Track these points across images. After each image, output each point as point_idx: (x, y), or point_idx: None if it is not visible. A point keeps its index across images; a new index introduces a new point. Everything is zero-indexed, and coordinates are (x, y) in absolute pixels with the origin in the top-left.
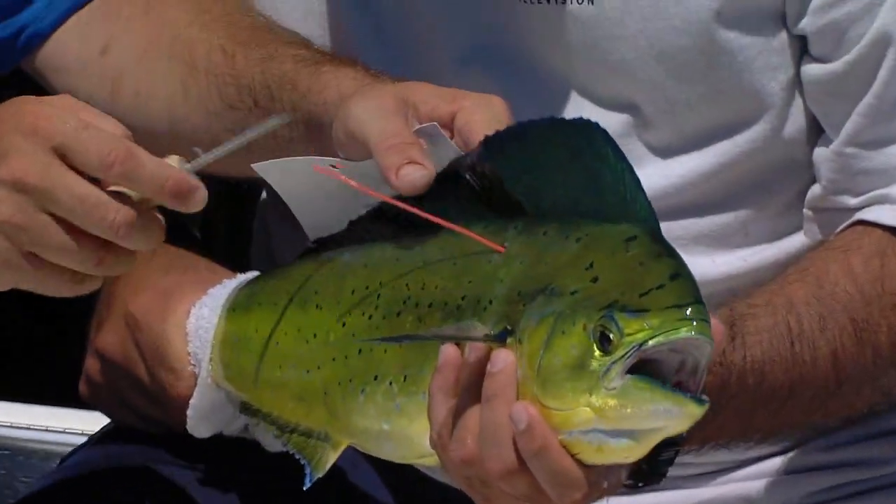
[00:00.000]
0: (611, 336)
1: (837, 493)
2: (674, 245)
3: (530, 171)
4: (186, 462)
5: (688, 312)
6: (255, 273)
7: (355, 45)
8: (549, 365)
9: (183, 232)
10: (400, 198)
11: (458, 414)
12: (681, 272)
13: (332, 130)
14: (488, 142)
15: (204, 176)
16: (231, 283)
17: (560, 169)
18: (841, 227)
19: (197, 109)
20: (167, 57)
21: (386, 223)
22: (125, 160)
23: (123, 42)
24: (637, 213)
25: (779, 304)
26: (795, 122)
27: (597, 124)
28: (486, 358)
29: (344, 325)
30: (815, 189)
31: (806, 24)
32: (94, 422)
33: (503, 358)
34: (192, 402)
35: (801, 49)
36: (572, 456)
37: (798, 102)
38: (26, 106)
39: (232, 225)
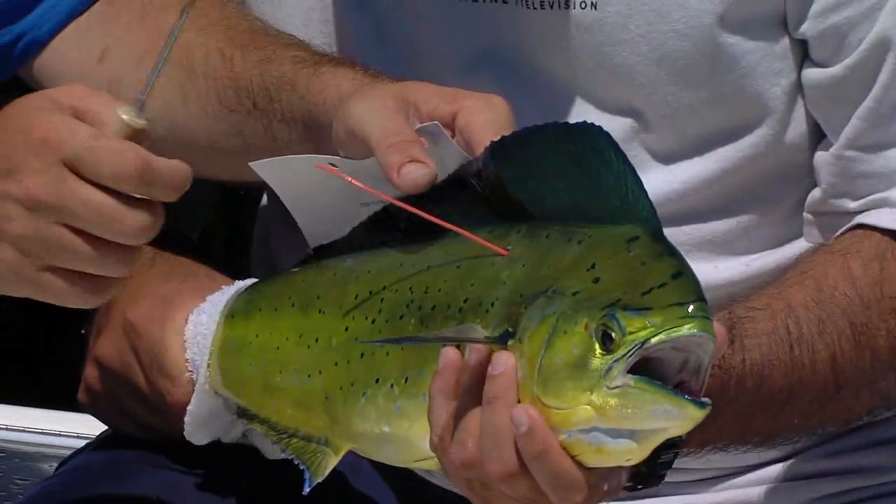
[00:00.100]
0: (613, 335)
1: (838, 500)
2: None
3: (534, 176)
4: (186, 468)
5: (690, 310)
6: (253, 280)
7: (356, 50)
8: (550, 364)
9: (182, 239)
10: (400, 197)
11: (458, 416)
12: (683, 271)
13: (331, 130)
14: (494, 147)
15: (203, 183)
16: (230, 290)
17: (564, 173)
18: (840, 230)
19: (196, 113)
20: (165, 62)
21: (388, 229)
22: (139, 171)
23: (121, 48)
24: (639, 215)
25: (778, 307)
26: (797, 127)
27: (599, 127)
28: (486, 360)
29: (347, 329)
30: (815, 193)
31: (806, 29)
32: (89, 425)
33: (504, 360)
34: (189, 408)
35: (803, 54)
36: (572, 458)
37: (800, 107)
38: (35, 117)
39: (231, 232)
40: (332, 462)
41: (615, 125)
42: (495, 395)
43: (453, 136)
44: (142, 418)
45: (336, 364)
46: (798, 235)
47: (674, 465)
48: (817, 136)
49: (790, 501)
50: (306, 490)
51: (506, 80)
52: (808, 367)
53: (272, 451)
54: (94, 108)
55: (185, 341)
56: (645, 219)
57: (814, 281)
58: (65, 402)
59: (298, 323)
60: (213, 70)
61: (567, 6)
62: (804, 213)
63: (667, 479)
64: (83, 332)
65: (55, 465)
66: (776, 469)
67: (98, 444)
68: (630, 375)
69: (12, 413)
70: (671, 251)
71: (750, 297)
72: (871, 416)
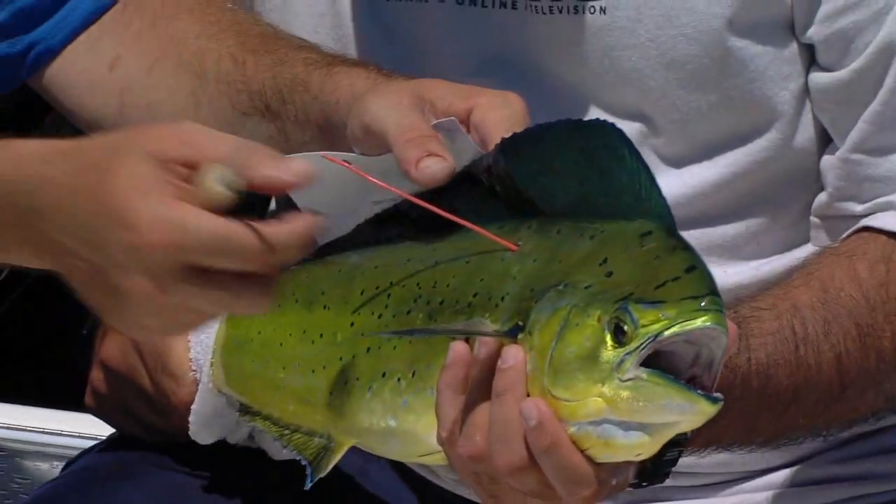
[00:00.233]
0: (625, 327)
1: None
2: None
3: (545, 173)
4: (191, 470)
5: (703, 304)
6: None
7: (365, 56)
8: (561, 356)
9: None
10: (413, 194)
11: (467, 410)
12: (697, 264)
13: (346, 129)
14: (504, 144)
15: None
16: None
17: (575, 170)
18: (846, 233)
19: (208, 118)
20: (176, 69)
21: (395, 224)
22: (263, 262)
23: (132, 56)
24: (652, 211)
25: (783, 308)
26: (806, 131)
27: (612, 125)
28: (496, 354)
29: (352, 324)
30: (822, 197)
31: (813, 33)
32: (91, 425)
33: (514, 354)
34: (193, 407)
35: (810, 58)
36: (582, 452)
37: (808, 112)
38: (136, 200)
39: None
40: (334, 458)
41: (624, 129)
42: (504, 389)
43: (468, 133)
44: (147, 420)
45: (341, 359)
46: (807, 240)
47: (684, 470)
48: (825, 141)
49: None
50: (308, 486)
51: (514, 84)
52: (814, 368)
53: (278, 452)
54: (194, 160)
55: (188, 341)
56: (658, 215)
57: (819, 282)
58: (66, 401)
59: (302, 319)
60: (224, 75)
61: (576, 11)
62: (811, 217)
63: (675, 483)
64: (84, 331)
65: (56, 464)
66: (785, 474)
67: (105, 445)
68: (642, 368)
69: (13, 412)
70: (685, 245)
71: (755, 297)
72: (876, 418)
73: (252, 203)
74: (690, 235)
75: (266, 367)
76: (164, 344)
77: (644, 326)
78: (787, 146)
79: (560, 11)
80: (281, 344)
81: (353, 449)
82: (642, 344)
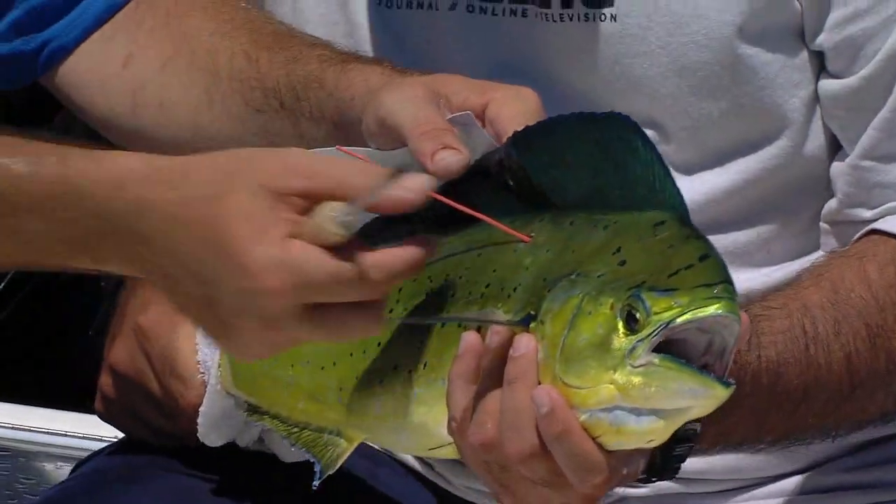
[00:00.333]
0: (637, 315)
1: None
2: None
3: (558, 165)
4: (200, 473)
5: (716, 291)
6: None
7: None
8: (572, 344)
9: None
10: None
11: (478, 399)
12: (710, 253)
13: (360, 125)
14: (516, 136)
15: None
16: None
17: (589, 161)
18: (856, 236)
19: (222, 116)
20: (190, 66)
21: (406, 219)
22: (378, 294)
23: (145, 54)
24: (666, 202)
25: (794, 307)
26: (816, 138)
27: (626, 116)
28: (508, 343)
29: None
30: (832, 203)
31: (823, 40)
32: (94, 425)
33: (525, 342)
34: (202, 409)
35: (820, 65)
36: (593, 439)
37: (818, 119)
38: (248, 244)
39: None
40: (343, 454)
41: None
42: (516, 377)
43: (484, 128)
44: (156, 423)
45: (351, 354)
46: (817, 247)
47: (696, 476)
48: (835, 148)
49: None
50: (316, 483)
51: None
52: (824, 367)
53: (287, 454)
54: (307, 190)
55: (196, 344)
56: (672, 206)
57: (830, 283)
58: (71, 402)
59: None
60: (238, 72)
61: (587, 19)
62: (820, 223)
63: (688, 489)
64: (90, 332)
65: (61, 464)
66: (796, 481)
67: (114, 448)
68: (654, 354)
69: (18, 412)
70: (698, 235)
71: (766, 297)
72: (884, 420)
73: None
74: None
75: (274, 365)
76: (171, 347)
77: (656, 314)
78: (797, 153)
79: (570, 19)
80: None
81: (363, 453)
82: (654, 331)
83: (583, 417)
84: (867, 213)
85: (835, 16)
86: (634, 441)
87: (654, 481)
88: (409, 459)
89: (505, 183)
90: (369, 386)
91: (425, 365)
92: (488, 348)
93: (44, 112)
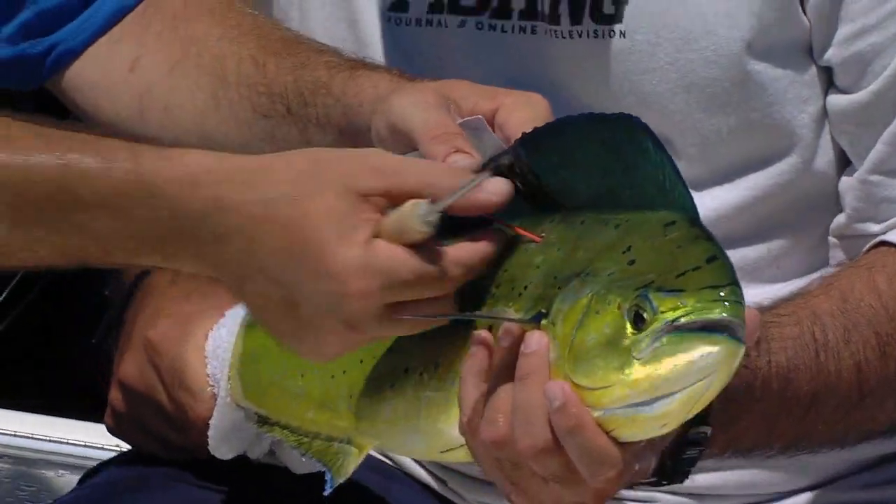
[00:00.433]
0: (644, 314)
1: None
2: None
3: (567, 165)
4: (211, 484)
5: (722, 293)
6: None
7: None
8: (581, 343)
9: None
10: None
11: (489, 395)
12: (718, 255)
13: (368, 131)
14: (525, 138)
15: None
16: None
17: (598, 162)
18: (865, 248)
19: (228, 121)
20: (197, 71)
21: None
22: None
23: (152, 58)
24: (676, 202)
25: (803, 315)
26: (825, 154)
27: (636, 118)
28: (519, 341)
29: None
30: (840, 218)
31: (831, 56)
32: (96, 433)
33: (537, 339)
34: (212, 422)
35: (829, 81)
36: (607, 433)
37: (827, 135)
38: (329, 246)
39: None
40: (354, 462)
41: None
42: (528, 373)
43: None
44: (166, 437)
45: (361, 361)
46: (826, 263)
47: (709, 492)
48: (844, 164)
49: None
50: (328, 491)
51: None
52: (833, 374)
53: (298, 465)
54: (390, 190)
55: (205, 356)
56: (682, 206)
57: (839, 292)
58: (72, 409)
59: None
60: (245, 77)
61: (596, 35)
62: (829, 238)
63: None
64: (93, 340)
65: (61, 472)
66: (810, 497)
67: (125, 459)
68: (659, 338)
69: (18, 419)
70: (707, 236)
71: (776, 305)
72: (894, 430)
73: None
74: None
75: (284, 376)
76: (180, 360)
77: (662, 313)
78: (807, 169)
79: (580, 36)
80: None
81: (376, 468)
82: (660, 329)
83: (596, 415)
84: (875, 228)
85: (843, 31)
86: (650, 428)
87: (664, 485)
88: (423, 474)
89: (514, 184)
90: (380, 390)
91: (436, 366)
92: (500, 346)
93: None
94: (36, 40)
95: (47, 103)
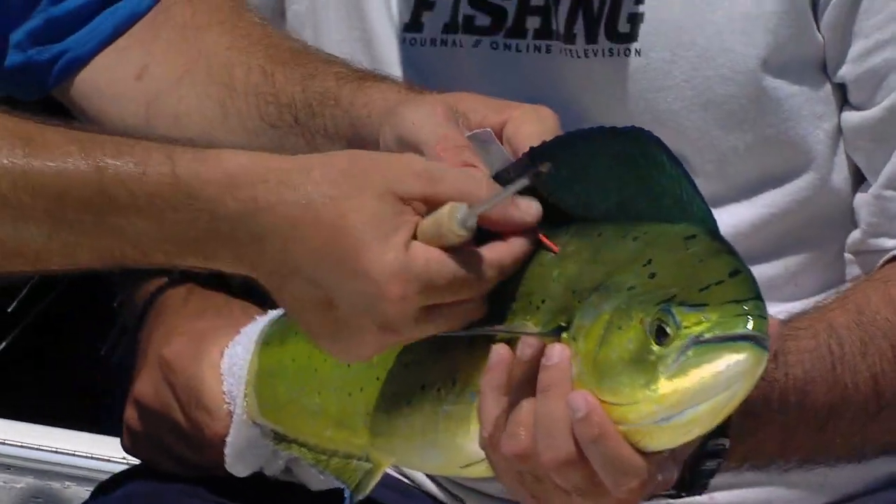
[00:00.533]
0: (667, 329)
1: None
2: None
3: (580, 179)
4: (228, 500)
5: (746, 308)
6: None
7: None
8: (605, 360)
9: (215, 275)
10: None
11: (510, 409)
12: (741, 269)
13: (376, 143)
14: (534, 152)
15: None
16: (263, 320)
17: (612, 175)
18: (880, 262)
19: (236, 130)
20: (205, 80)
21: None
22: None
23: (160, 66)
24: (695, 215)
25: (820, 328)
26: (841, 171)
27: (648, 132)
28: (539, 354)
29: None
30: (856, 233)
31: (845, 72)
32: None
33: (558, 351)
34: (228, 440)
35: (843, 97)
36: (633, 445)
37: (843, 151)
38: (365, 250)
39: None
40: (373, 479)
41: None
42: (550, 385)
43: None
44: (183, 455)
45: (378, 378)
46: (844, 280)
47: None
48: (860, 180)
49: None
50: None
51: None
52: (851, 387)
53: (316, 482)
54: (430, 195)
55: (221, 374)
56: (701, 219)
57: (855, 305)
58: (80, 421)
59: None
60: (254, 87)
61: (611, 54)
62: (845, 253)
63: None
64: (102, 352)
65: (68, 484)
66: None
67: (140, 473)
68: (685, 351)
69: (26, 431)
70: (729, 249)
71: (792, 318)
72: None
73: None
74: None
75: (301, 393)
76: (196, 378)
77: (686, 328)
78: (823, 186)
79: (595, 55)
80: (316, 370)
81: (394, 486)
82: (684, 345)
83: (622, 428)
84: (890, 243)
85: (857, 47)
86: (675, 437)
87: (683, 496)
88: (439, 493)
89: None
90: (397, 407)
91: (454, 381)
92: (520, 359)
93: None
94: (44, 47)
95: (53, 112)
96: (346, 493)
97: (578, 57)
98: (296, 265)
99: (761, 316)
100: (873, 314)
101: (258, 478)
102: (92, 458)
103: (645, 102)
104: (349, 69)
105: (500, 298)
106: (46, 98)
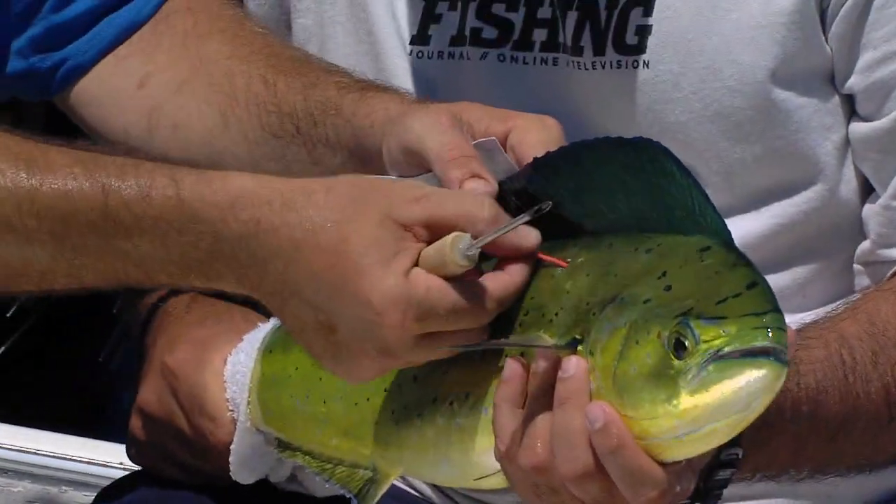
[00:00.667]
0: (686, 343)
1: None
2: None
3: (588, 190)
4: None
5: (765, 320)
6: None
7: None
8: (624, 374)
9: None
10: None
11: (526, 422)
12: (758, 281)
13: (378, 153)
14: (538, 163)
15: None
16: (266, 327)
17: (621, 186)
18: (890, 272)
19: (237, 139)
20: (206, 89)
21: None
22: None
23: (162, 75)
24: (708, 226)
25: (831, 338)
26: (849, 182)
27: (657, 143)
28: (555, 367)
29: None
30: (865, 244)
31: (853, 84)
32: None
33: (575, 363)
34: (232, 447)
35: (851, 109)
36: (651, 456)
37: (851, 163)
38: (368, 275)
39: None
40: (380, 489)
41: None
42: (567, 397)
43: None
44: (186, 462)
45: (386, 390)
46: (852, 291)
47: None
48: (869, 191)
49: None
50: None
51: None
52: (863, 397)
53: (320, 489)
54: (432, 221)
55: (224, 381)
56: (715, 231)
57: (866, 315)
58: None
59: None
60: (255, 96)
61: (619, 66)
62: (854, 264)
63: None
64: (100, 359)
65: (65, 489)
66: None
67: (144, 479)
68: (706, 365)
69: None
70: (746, 261)
71: (803, 328)
72: None
73: None
74: None
75: (306, 402)
76: (199, 385)
77: (705, 342)
78: (832, 197)
79: (602, 67)
80: (321, 378)
81: (400, 497)
82: (703, 361)
83: (642, 444)
84: None
85: (864, 59)
86: (693, 450)
87: None
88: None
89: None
90: (407, 419)
91: (467, 395)
92: (535, 372)
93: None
94: (45, 55)
95: (57, 116)
96: (353, 503)
97: (586, 69)
98: (297, 287)
99: (780, 328)
100: (884, 324)
101: (263, 485)
102: (89, 462)
103: (653, 114)
104: (351, 79)
105: (512, 312)
106: (49, 104)
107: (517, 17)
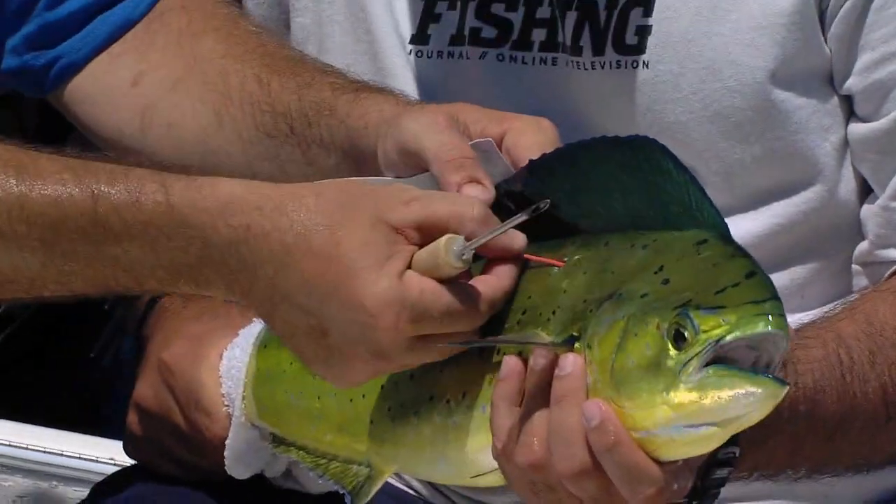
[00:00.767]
0: (685, 333)
1: None
2: None
3: (584, 189)
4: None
5: (765, 307)
6: None
7: None
8: (622, 366)
9: None
10: None
11: (523, 420)
12: (756, 271)
13: (372, 154)
14: (533, 165)
15: None
16: (261, 322)
17: (617, 185)
18: (888, 273)
19: (231, 139)
20: (201, 88)
21: None
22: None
23: (156, 74)
24: (705, 221)
25: (828, 337)
26: (848, 183)
27: (653, 140)
28: (552, 364)
29: None
30: (863, 245)
31: (852, 85)
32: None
33: (572, 361)
34: (227, 442)
35: (850, 110)
36: (648, 454)
37: (850, 163)
38: (364, 284)
39: None
40: (375, 485)
41: None
42: (564, 394)
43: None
44: (183, 458)
45: (382, 387)
46: (851, 291)
47: None
48: (867, 192)
49: None
50: None
51: None
52: (860, 396)
53: (315, 485)
54: (425, 224)
55: (220, 376)
56: (713, 225)
57: (864, 315)
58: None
59: None
60: (249, 96)
61: (618, 66)
62: (852, 265)
63: None
64: (92, 354)
65: (56, 483)
66: None
67: (140, 474)
68: (706, 367)
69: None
70: (743, 252)
71: (800, 328)
72: None
73: None
74: None
75: (300, 397)
76: (195, 381)
77: (705, 332)
78: (830, 198)
79: (602, 67)
80: (315, 374)
81: (395, 495)
82: (704, 349)
83: (637, 436)
84: None
85: (863, 60)
86: (689, 450)
87: None
88: (441, 501)
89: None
90: (403, 417)
91: (464, 394)
92: (532, 370)
93: (56, 133)
94: (39, 52)
95: (51, 113)
96: (347, 500)
97: (585, 69)
98: (287, 292)
99: (780, 314)
100: (882, 324)
101: (259, 481)
102: (81, 458)
103: (652, 115)
104: (345, 79)
105: (511, 311)
106: (46, 108)
107: (516, 17)
